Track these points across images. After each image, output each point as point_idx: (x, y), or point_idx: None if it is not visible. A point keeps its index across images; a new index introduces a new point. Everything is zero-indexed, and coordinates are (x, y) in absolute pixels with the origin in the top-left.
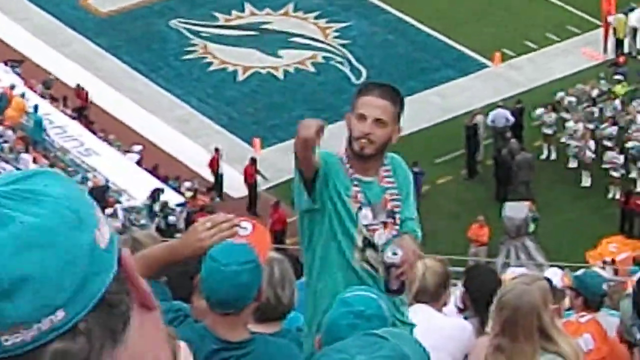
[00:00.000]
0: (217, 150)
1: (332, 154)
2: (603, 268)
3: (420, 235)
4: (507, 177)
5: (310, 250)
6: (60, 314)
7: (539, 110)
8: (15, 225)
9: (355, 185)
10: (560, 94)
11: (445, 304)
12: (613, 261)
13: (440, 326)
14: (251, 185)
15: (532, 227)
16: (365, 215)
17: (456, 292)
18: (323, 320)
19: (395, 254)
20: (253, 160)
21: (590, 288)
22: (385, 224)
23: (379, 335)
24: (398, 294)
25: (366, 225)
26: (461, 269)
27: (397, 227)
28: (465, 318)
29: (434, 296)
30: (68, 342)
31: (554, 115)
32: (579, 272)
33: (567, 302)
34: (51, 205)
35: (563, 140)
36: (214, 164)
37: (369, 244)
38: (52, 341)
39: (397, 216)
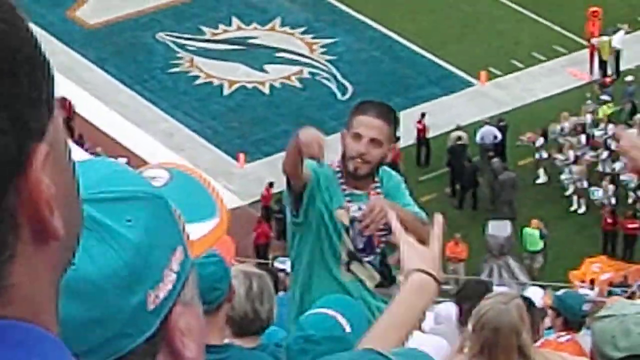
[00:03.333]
0: (271, 185)
1: (325, 166)
2: (592, 288)
3: (423, 215)
4: (491, 193)
5: (297, 261)
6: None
7: (529, 135)
8: None
9: (348, 201)
10: (555, 128)
11: (422, 320)
12: (592, 282)
13: (416, 343)
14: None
15: (541, 245)
16: (356, 228)
17: (435, 309)
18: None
19: (360, 209)
20: (271, 185)
21: (570, 308)
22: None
23: (381, 353)
24: (367, 254)
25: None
26: (445, 287)
27: (383, 238)
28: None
29: None
30: None
31: (542, 139)
32: (560, 292)
33: (547, 321)
34: (114, 254)
35: (556, 162)
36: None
37: (354, 257)
38: None
39: (384, 227)
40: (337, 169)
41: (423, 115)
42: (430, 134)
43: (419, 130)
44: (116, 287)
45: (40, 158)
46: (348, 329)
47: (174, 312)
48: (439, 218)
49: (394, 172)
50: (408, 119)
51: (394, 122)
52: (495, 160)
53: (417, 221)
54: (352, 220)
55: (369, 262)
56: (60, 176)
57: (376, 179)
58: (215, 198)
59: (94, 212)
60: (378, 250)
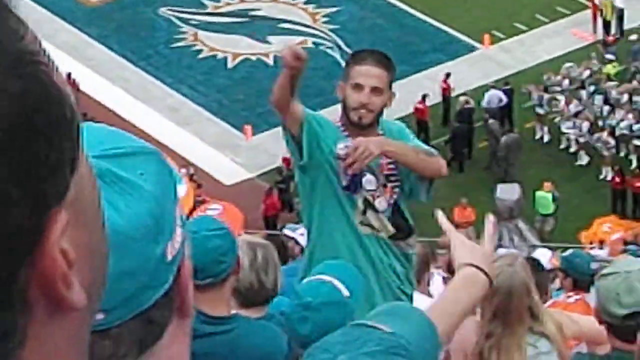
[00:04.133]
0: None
1: (325, 118)
2: (601, 248)
3: (431, 150)
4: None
5: (309, 207)
6: (99, 317)
7: (530, 87)
8: None
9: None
10: (551, 79)
11: (427, 284)
12: (601, 242)
13: (423, 308)
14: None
15: (553, 208)
16: (370, 181)
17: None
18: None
19: (346, 147)
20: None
21: (578, 268)
22: (384, 186)
23: (368, 325)
24: (351, 191)
25: (369, 190)
26: None
27: (396, 189)
28: None
29: (416, 277)
30: (94, 339)
31: (546, 95)
32: (567, 253)
33: (557, 283)
34: (138, 205)
35: (556, 120)
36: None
37: (369, 205)
38: None
39: (394, 179)
40: (339, 124)
41: (448, 75)
42: (437, 100)
43: (443, 90)
44: (144, 237)
45: (58, 227)
46: (346, 293)
47: (185, 266)
48: (490, 218)
49: (395, 122)
50: (414, 85)
51: (392, 69)
52: (492, 122)
53: (420, 153)
54: (337, 158)
55: (382, 212)
56: (84, 233)
57: (380, 130)
58: (176, 168)
59: (110, 167)
60: (391, 201)
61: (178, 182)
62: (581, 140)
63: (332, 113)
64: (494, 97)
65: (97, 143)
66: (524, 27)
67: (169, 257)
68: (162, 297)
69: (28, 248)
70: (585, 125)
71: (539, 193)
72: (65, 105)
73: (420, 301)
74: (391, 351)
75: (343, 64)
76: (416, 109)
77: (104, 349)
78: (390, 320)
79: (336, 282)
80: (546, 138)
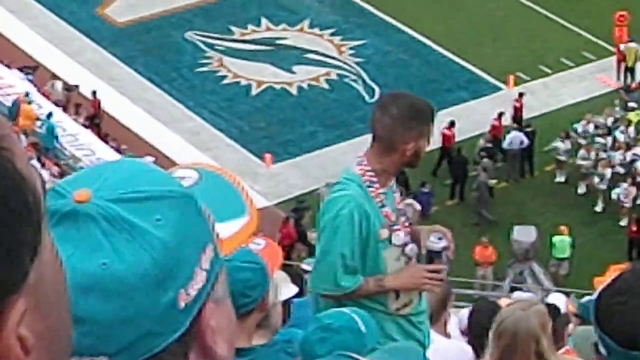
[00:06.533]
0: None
1: (359, 203)
2: None
3: None
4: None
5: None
6: (102, 359)
7: (555, 143)
8: (97, 263)
9: (382, 205)
10: (577, 125)
11: (445, 324)
12: None
13: (440, 349)
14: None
15: (568, 252)
16: (398, 236)
17: (459, 314)
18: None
19: (441, 239)
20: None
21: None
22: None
23: (353, 357)
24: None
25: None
26: (469, 291)
27: (408, 223)
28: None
29: (434, 317)
30: None
31: (567, 142)
32: (584, 299)
33: (571, 327)
34: (143, 252)
35: (579, 162)
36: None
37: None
38: None
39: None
40: (368, 178)
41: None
42: (457, 139)
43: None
44: (146, 285)
45: (16, 314)
46: (364, 329)
47: (206, 310)
48: None
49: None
50: (435, 122)
51: None
52: (485, 161)
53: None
54: (432, 252)
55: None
56: (44, 319)
57: None
58: (244, 197)
59: (122, 212)
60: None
61: (230, 218)
62: (601, 187)
63: (353, 145)
64: (516, 139)
65: (119, 185)
66: (549, 70)
67: (182, 305)
68: (174, 342)
69: None
70: (608, 173)
71: (556, 237)
72: (27, 192)
73: (437, 342)
74: None
75: (366, 97)
76: (443, 135)
77: None
78: (389, 356)
79: (356, 317)
80: (561, 179)
